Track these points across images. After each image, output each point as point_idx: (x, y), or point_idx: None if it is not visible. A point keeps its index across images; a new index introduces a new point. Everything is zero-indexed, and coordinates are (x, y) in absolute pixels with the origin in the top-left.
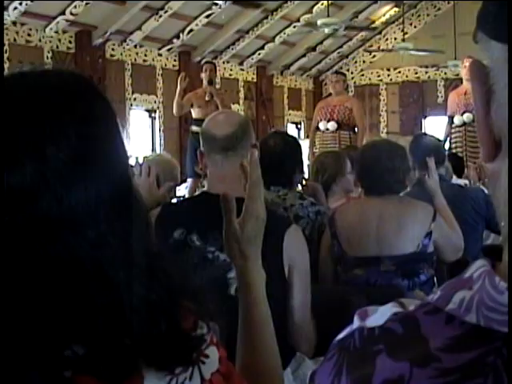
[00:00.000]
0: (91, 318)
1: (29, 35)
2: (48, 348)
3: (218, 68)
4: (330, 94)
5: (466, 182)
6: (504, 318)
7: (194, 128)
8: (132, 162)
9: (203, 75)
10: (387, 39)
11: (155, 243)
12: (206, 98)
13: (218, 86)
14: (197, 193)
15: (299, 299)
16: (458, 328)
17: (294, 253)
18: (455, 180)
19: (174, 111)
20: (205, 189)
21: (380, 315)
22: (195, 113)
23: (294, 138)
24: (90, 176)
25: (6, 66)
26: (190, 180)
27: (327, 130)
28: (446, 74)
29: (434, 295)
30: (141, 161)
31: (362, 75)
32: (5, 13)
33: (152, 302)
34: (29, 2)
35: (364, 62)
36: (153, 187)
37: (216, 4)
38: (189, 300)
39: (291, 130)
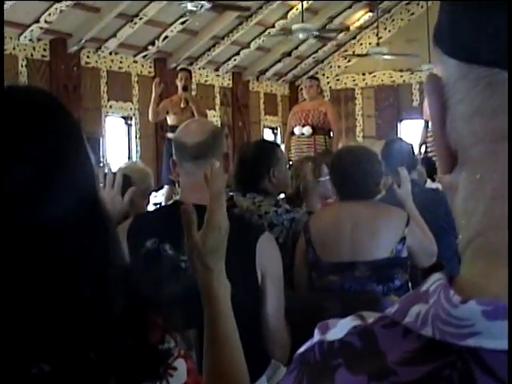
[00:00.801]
0: (57, 334)
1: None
2: (15, 366)
3: (193, 74)
4: (305, 99)
5: (440, 185)
6: (458, 331)
7: (170, 135)
8: (107, 170)
9: (178, 82)
10: (362, 44)
11: (124, 256)
12: (182, 105)
13: (193, 93)
14: (170, 201)
15: (273, 306)
16: (415, 341)
17: (266, 260)
18: (429, 184)
19: (150, 118)
20: (177, 197)
21: (340, 328)
22: (171, 119)
23: (272, 144)
24: (53, 190)
25: None
26: (166, 187)
27: (302, 134)
28: (420, 77)
29: (391, 308)
30: (112, 170)
31: (338, 80)
32: None
33: (118, 316)
34: None
35: (339, 66)
36: (116, 198)
37: (191, 11)
38: (156, 313)
39: (268, 135)
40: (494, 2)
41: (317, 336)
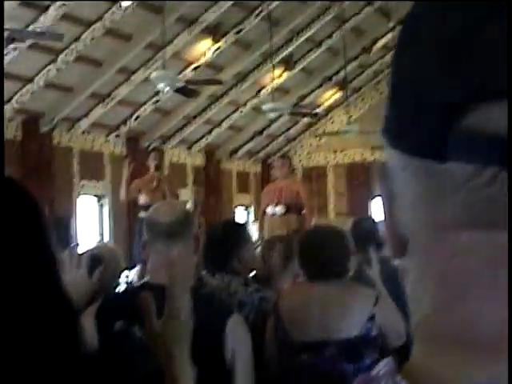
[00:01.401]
0: None
1: None
2: None
3: (165, 153)
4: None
5: None
6: None
7: (142, 214)
8: (80, 250)
9: (151, 162)
10: (333, 122)
11: (83, 341)
12: (154, 184)
13: (166, 172)
14: (140, 282)
15: None
16: None
17: (236, 342)
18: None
19: (121, 196)
20: (146, 279)
21: None
22: (142, 199)
23: (240, 225)
24: (9, 280)
25: None
26: (138, 266)
27: (275, 214)
28: None
29: None
30: (83, 250)
31: (309, 158)
32: None
33: None
34: None
35: (311, 144)
36: (83, 279)
37: (163, 92)
38: None
39: (240, 213)
40: (426, 98)
41: None
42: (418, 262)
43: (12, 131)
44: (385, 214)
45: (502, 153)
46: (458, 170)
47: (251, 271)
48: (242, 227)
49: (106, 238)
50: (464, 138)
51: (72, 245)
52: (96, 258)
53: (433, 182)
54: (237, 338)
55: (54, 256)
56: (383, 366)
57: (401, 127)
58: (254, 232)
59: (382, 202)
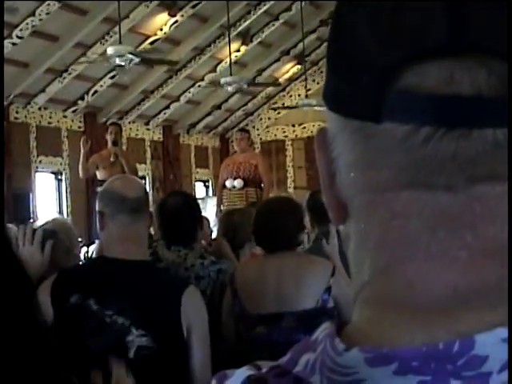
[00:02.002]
0: None
1: None
2: None
3: (123, 128)
4: (236, 152)
5: None
6: (343, 378)
7: (100, 189)
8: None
9: (108, 136)
10: (291, 96)
11: (40, 314)
12: (111, 159)
13: (124, 147)
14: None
15: (199, 361)
16: None
17: (192, 314)
18: None
19: (80, 174)
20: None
21: (235, 378)
22: (100, 174)
23: (192, 197)
24: None
25: None
26: (97, 242)
27: (234, 187)
28: None
29: (284, 357)
30: (32, 227)
31: (268, 131)
32: None
33: (29, 376)
34: None
35: (269, 118)
36: (35, 254)
37: (120, 66)
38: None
39: (199, 188)
40: (362, 61)
41: None
42: (357, 226)
43: None
44: (323, 180)
45: (437, 112)
46: (394, 130)
47: (209, 245)
48: (194, 198)
49: (65, 214)
50: (399, 98)
51: (31, 221)
52: (48, 233)
53: (369, 143)
54: (193, 309)
55: (5, 230)
56: (322, 330)
57: (337, 90)
58: (212, 206)
59: (320, 169)
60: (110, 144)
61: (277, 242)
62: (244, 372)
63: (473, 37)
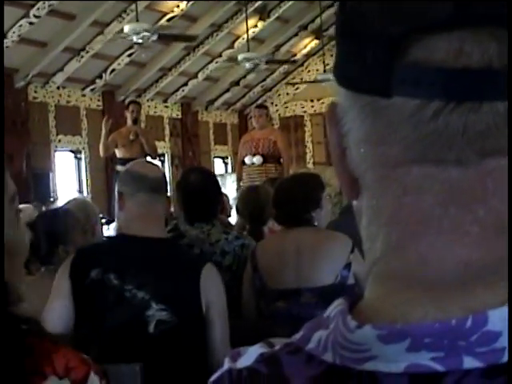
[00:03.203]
0: None
1: None
2: None
3: (142, 106)
4: (254, 128)
5: None
6: (356, 355)
7: (120, 168)
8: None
9: (128, 114)
10: (309, 71)
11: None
12: (131, 138)
13: (142, 124)
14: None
15: (219, 336)
16: (317, 367)
17: (211, 291)
18: None
19: (101, 153)
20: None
21: (248, 356)
22: (120, 152)
23: (212, 173)
24: None
25: None
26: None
27: (253, 163)
28: None
29: (297, 334)
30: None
31: (286, 107)
32: None
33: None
34: None
35: (288, 94)
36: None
37: (138, 43)
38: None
39: (218, 164)
40: (370, 34)
41: (227, 364)
42: (370, 202)
43: None
44: (335, 155)
45: (446, 85)
46: (404, 104)
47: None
48: (214, 174)
49: (85, 193)
50: (408, 72)
51: (51, 199)
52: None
53: (379, 118)
54: (212, 285)
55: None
56: (334, 307)
57: (346, 65)
58: (231, 182)
59: (330, 144)
60: (129, 122)
61: (297, 217)
62: (257, 349)
63: (482, 8)
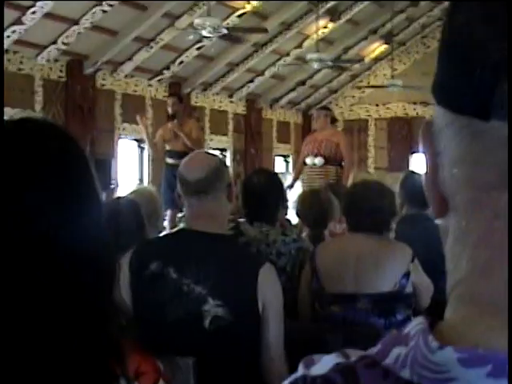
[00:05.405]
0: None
1: (21, 63)
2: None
3: (207, 100)
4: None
5: None
6: (434, 376)
7: (169, 160)
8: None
9: (168, 108)
10: (376, 75)
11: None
12: (172, 133)
13: (206, 118)
14: (175, 229)
15: (274, 335)
16: (394, 383)
17: (268, 291)
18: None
19: (151, 153)
20: (182, 225)
21: (323, 364)
22: (167, 146)
23: (277, 175)
24: (64, 217)
25: None
26: (168, 212)
27: (314, 164)
28: (434, 110)
29: (374, 348)
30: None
31: (351, 110)
32: None
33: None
34: (21, 31)
35: (353, 97)
36: None
37: (207, 37)
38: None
39: (279, 163)
40: (477, 56)
41: (301, 370)
42: (458, 222)
43: (56, 72)
44: (427, 172)
45: None
46: (501, 129)
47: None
48: (279, 177)
49: (145, 182)
50: (508, 96)
51: (111, 186)
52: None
53: (475, 140)
54: (269, 285)
55: (101, 204)
56: (415, 325)
57: (448, 84)
58: (291, 181)
59: (425, 160)
60: (170, 112)
61: (368, 224)
62: (332, 359)
63: None
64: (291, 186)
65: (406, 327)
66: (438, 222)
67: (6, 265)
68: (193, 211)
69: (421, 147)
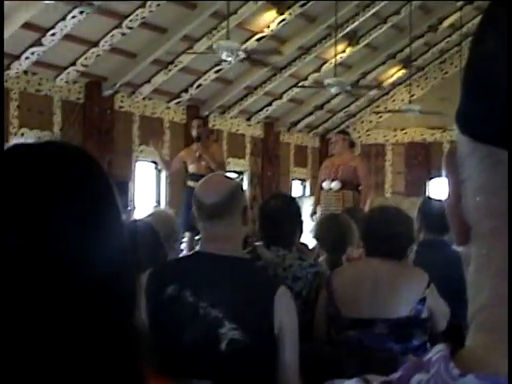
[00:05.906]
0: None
1: (39, 84)
2: None
3: (224, 123)
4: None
5: None
6: None
7: (190, 183)
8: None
9: (192, 131)
10: (394, 100)
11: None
12: (196, 155)
13: (224, 141)
14: (192, 251)
15: (290, 358)
16: None
17: (284, 314)
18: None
19: (167, 175)
20: (198, 248)
21: None
22: (190, 168)
23: (294, 199)
24: (88, 240)
25: (15, 113)
26: (186, 234)
27: (331, 189)
28: (451, 136)
29: (395, 374)
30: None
31: (369, 135)
32: (17, 62)
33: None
34: (40, 53)
35: (371, 121)
36: None
37: (225, 60)
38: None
39: (296, 186)
40: (500, 86)
41: None
42: (480, 250)
43: (75, 93)
44: (451, 200)
45: None
46: None
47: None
48: (296, 202)
49: (162, 205)
50: (508, 106)
51: (128, 209)
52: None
53: (498, 170)
54: (285, 309)
55: (124, 227)
56: (436, 352)
57: (472, 113)
58: (308, 206)
59: (448, 188)
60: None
61: (386, 249)
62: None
63: None
64: (314, 213)
65: (427, 354)
66: (459, 249)
67: (28, 291)
68: (207, 234)
69: (444, 174)
